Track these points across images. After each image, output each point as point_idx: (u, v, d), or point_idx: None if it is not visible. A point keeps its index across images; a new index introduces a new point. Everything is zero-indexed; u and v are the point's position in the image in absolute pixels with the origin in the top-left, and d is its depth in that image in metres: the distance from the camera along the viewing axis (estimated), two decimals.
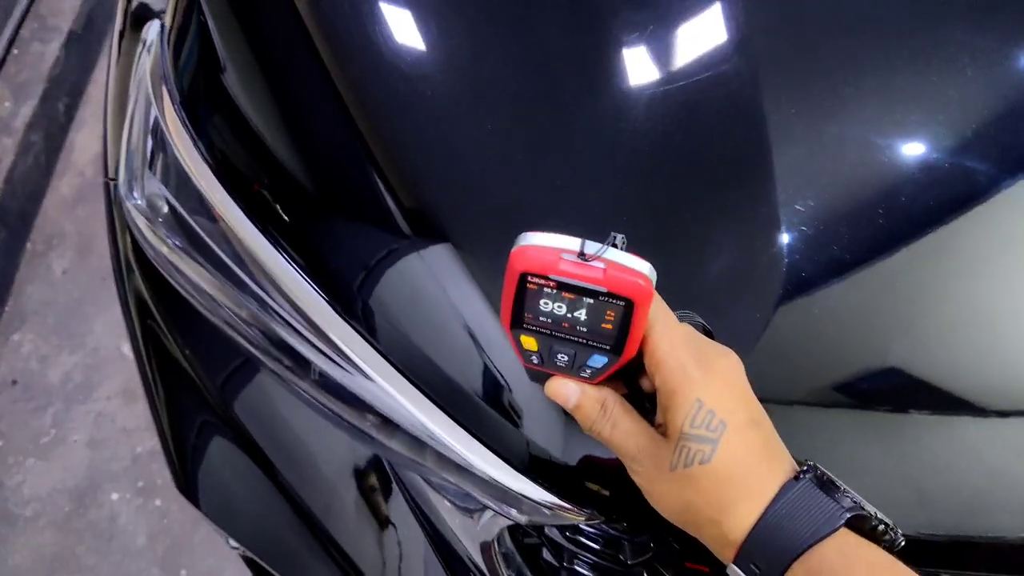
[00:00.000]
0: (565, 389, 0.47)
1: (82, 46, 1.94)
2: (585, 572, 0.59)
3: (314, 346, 0.66)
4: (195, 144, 0.67)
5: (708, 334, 0.49)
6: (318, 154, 0.66)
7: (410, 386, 0.61)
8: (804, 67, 0.63)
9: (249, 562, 0.89)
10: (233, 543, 0.78)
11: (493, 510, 0.59)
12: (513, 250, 0.43)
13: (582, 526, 0.58)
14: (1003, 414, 0.58)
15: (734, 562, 0.42)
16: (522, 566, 0.61)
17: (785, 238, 0.58)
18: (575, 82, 0.63)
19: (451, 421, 0.60)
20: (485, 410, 0.59)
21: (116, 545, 1.37)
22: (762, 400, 0.45)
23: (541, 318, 0.44)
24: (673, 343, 0.44)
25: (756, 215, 0.59)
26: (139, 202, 0.72)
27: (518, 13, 0.66)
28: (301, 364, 0.68)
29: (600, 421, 0.46)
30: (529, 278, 0.42)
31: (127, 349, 1.57)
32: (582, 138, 0.62)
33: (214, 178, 0.67)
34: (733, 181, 0.61)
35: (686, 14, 0.64)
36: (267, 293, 0.66)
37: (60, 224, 1.74)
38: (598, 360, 0.45)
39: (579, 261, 0.41)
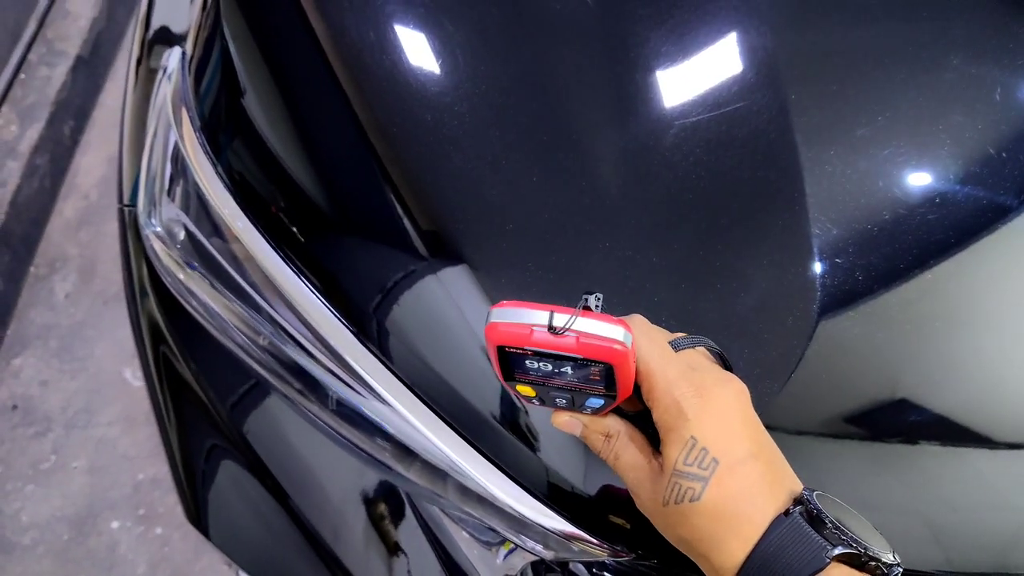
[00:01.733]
0: (570, 423, 0.49)
1: (88, 70, 1.95)
2: None
3: (330, 370, 0.65)
4: (215, 168, 0.67)
5: (722, 358, 0.49)
6: (336, 177, 0.66)
7: (427, 411, 0.61)
8: (830, 100, 0.63)
9: None
10: (243, 574, 0.76)
11: (517, 544, 0.58)
12: (485, 326, 0.43)
13: (608, 562, 0.57)
14: (1018, 447, 0.57)
15: None
16: None
17: (801, 270, 0.58)
18: (600, 108, 0.63)
19: (471, 449, 0.60)
20: (503, 435, 0.59)
21: (116, 574, 1.35)
22: (773, 430, 0.45)
23: (531, 374, 0.45)
24: (668, 379, 0.44)
25: (773, 246, 0.59)
26: (157, 228, 0.71)
27: (541, 41, 0.67)
28: (316, 390, 0.67)
29: (604, 451, 0.48)
30: (507, 348, 0.43)
31: (129, 374, 1.56)
32: (606, 164, 0.62)
33: (233, 202, 0.66)
34: (756, 213, 0.60)
35: (712, 48, 0.65)
36: (283, 317, 0.66)
37: (63, 247, 1.74)
38: (595, 402, 0.46)
39: (550, 333, 0.42)
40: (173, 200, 0.70)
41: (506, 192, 0.62)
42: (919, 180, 0.61)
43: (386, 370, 0.62)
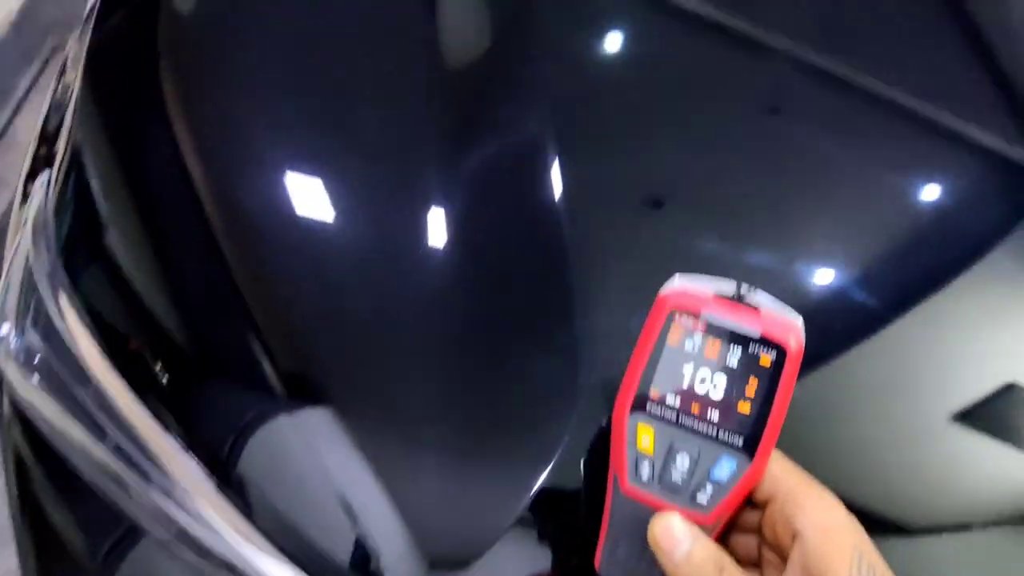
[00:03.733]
0: (676, 530, 0.40)
1: None
2: None
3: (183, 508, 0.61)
4: (70, 298, 0.65)
5: None
6: (196, 314, 0.66)
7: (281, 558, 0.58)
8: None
9: None
10: None
11: None
12: (661, 293, 0.42)
13: None
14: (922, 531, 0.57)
15: None
16: None
17: None
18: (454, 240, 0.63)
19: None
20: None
21: None
22: None
23: (670, 395, 0.41)
24: (805, 477, 0.41)
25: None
26: (12, 347, 0.69)
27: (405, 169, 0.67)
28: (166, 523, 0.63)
29: None
30: (676, 319, 0.41)
31: None
32: (458, 291, 0.62)
33: (88, 337, 0.65)
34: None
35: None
36: (139, 452, 0.63)
37: None
38: (725, 467, 0.41)
39: (732, 301, 0.41)
40: (30, 324, 0.68)
41: (373, 332, 0.62)
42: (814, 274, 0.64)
43: (241, 518, 0.59)
